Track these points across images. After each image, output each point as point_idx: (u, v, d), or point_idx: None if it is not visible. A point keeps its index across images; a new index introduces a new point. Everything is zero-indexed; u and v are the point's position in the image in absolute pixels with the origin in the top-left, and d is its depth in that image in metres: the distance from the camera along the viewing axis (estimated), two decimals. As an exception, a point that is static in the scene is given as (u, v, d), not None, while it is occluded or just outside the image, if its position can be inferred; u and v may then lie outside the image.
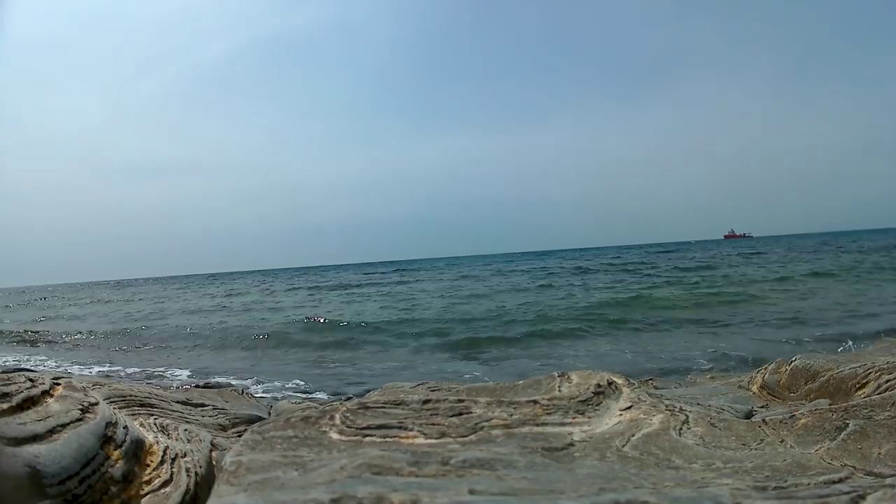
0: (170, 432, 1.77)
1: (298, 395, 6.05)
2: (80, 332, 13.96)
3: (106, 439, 1.40)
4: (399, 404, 1.41)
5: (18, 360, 10.00)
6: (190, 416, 2.22)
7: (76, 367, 9.25)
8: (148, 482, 1.44)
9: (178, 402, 2.28)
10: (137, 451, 1.50)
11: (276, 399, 5.13)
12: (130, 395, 2.02)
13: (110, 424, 1.45)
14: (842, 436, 1.39)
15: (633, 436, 1.35)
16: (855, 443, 1.35)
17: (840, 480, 1.10)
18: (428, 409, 1.40)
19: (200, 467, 1.59)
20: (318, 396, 6.06)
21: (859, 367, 2.37)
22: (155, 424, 1.79)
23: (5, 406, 1.29)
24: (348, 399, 1.66)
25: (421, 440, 1.25)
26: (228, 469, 1.02)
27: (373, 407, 1.38)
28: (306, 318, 13.14)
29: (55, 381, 1.51)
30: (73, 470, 1.24)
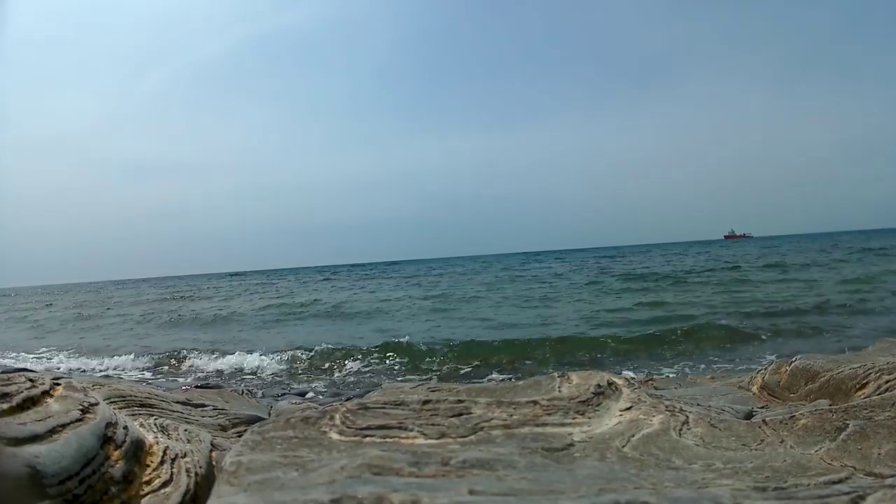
0: (170, 433, 1.77)
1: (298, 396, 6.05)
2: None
3: (106, 439, 1.40)
4: (399, 405, 1.41)
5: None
6: (190, 417, 2.22)
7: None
8: (148, 482, 1.44)
9: (178, 402, 2.28)
10: (137, 451, 1.50)
11: (276, 399, 5.13)
12: (130, 396, 2.02)
13: (110, 425, 1.45)
14: (842, 436, 1.39)
15: (633, 436, 1.35)
16: (855, 443, 1.35)
17: (840, 481, 1.10)
18: (428, 410, 1.40)
19: (200, 467, 1.59)
20: (318, 397, 6.06)
21: (859, 367, 2.37)
22: (155, 425, 1.79)
23: (5, 406, 1.29)
24: (348, 399, 1.65)
25: (421, 440, 1.25)
26: (228, 469, 1.02)
27: (373, 407, 1.38)
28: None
29: (55, 382, 1.50)
30: (73, 470, 1.23)
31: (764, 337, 7.95)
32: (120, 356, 9.74)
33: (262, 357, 8.36)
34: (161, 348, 10.51)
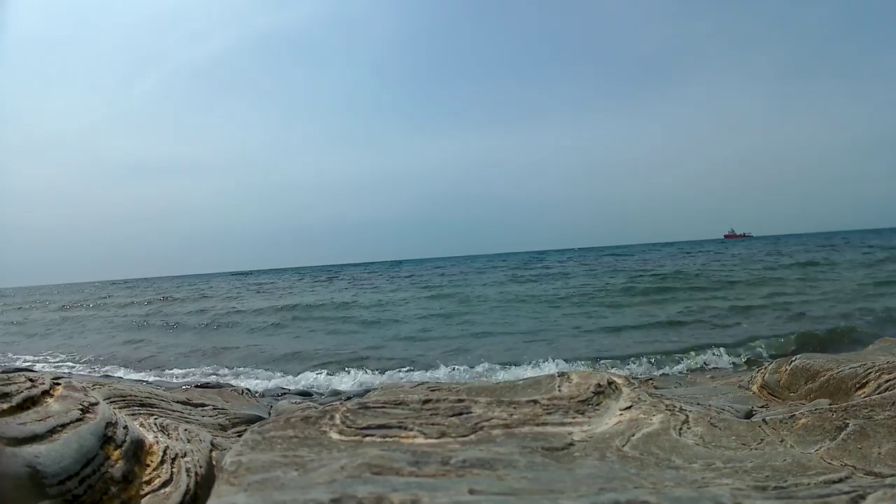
0: (170, 432, 1.77)
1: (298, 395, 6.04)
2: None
3: (106, 439, 1.40)
4: (399, 404, 1.41)
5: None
6: (190, 416, 2.22)
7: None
8: (148, 482, 1.44)
9: (178, 402, 2.28)
10: (137, 451, 1.50)
11: (276, 399, 5.13)
12: (130, 395, 2.02)
13: (110, 424, 1.45)
14: (842, 436, 1.39)
15: (633, 436, 1.35)
16: (855, 442, 1.35)
17: (840, 480, 1.10)
18: (428, 409, 1.40)
19: (200, 467, 1.59)
20: (318, 396, 6.05)
21: (859, 366, 2.37)
22: (155, 424, 1.79)
23: (5, 406, 1.29)
24: (348, 399, 1.65)
25: (421, 440, 1.25)
26: (228, 469, 1.02)
27: (373, 407, 1.38)
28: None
29: (55, 381, 1.51)
30: (73, 470, 1.24)
31: (792, 338, 7.70)
32: (116, 364, 9.65)
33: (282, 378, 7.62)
34: (165, 356, 10.42)
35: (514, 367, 7.07)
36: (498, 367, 7.17)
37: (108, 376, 7.75)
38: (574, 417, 1.43)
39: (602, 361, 7.15)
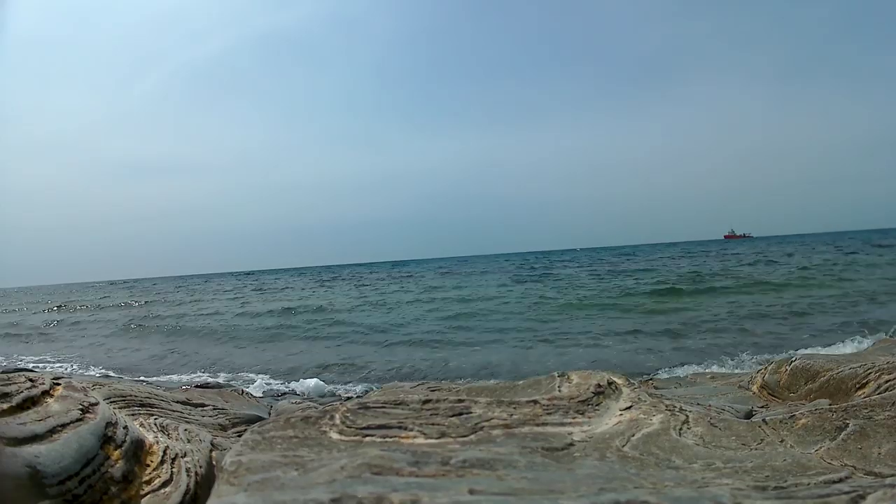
0: (170, 432, 1.77)
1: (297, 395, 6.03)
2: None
3: (106, 439, 1.40)
4: (399, 404, 1.41)
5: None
6: (190, 416, 2.22)
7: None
8: (148, 482, 1.44)
9: (178, 402, 2.28)
10: (137, 451, 1.50)
11: (276, 399, 5.14)
12: (130, 395, 2.02)
13: (110, 424, 1.45)
14: (842, 436, 1.39)
15: (633, 436, 1.35)
16: (855, 443, 1.35)
17: (840, 480, 1.10)
18: (428, 409, 1.40)
19: (200, 467, 1.59)
20: (318, 397, 6.05)
21: (859, 367, 2.37)
22: (155, 424, 1.79)
23: (5, 406, 1.29)
24: (348, 399, 1.64)
25: (421, 440, 1.25)
26: (228, 469, 1.02)
27: (373, 407, 1.38)
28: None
29: (55, 382, 1.51)
30: (73, 470, 1.24)
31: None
32: (116, 365, 9.56)
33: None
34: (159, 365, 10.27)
35: (518, 372, 6.98)
36: (502, 372, 7.11)
37: (107, 376, 7.75)
38: (574, 418, 1.43)
39: (606, 364, 7.10)
